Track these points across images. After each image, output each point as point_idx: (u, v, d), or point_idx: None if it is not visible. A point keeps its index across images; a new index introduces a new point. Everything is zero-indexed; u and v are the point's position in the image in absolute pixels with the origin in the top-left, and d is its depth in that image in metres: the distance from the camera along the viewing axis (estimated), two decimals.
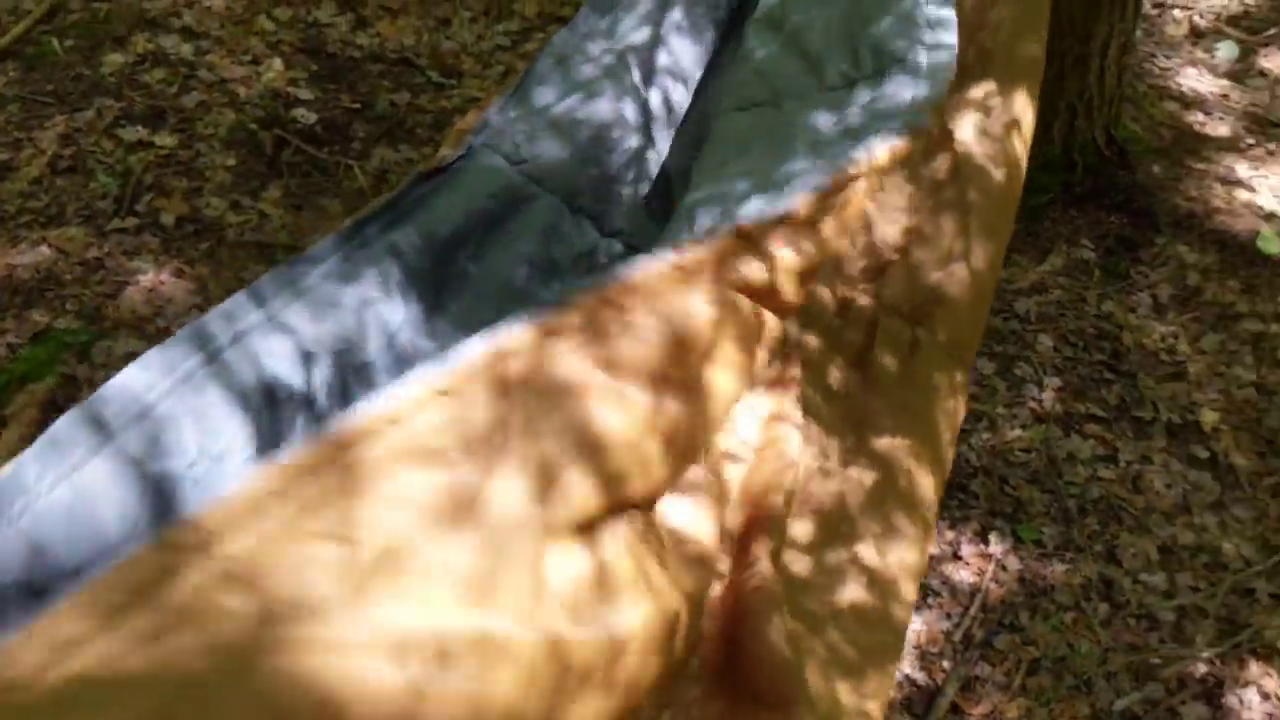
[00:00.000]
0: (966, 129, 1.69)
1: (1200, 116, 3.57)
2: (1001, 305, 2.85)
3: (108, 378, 2.42)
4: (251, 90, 3.12)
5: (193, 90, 3.08)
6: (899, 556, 1.48)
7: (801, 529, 1.38)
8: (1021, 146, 1.75)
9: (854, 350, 1.52)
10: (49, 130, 2.88)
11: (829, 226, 1.24)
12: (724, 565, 1.21)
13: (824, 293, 1.52)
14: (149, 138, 2.92)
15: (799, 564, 1.35)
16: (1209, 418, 2.66)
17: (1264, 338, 2.85)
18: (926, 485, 1.56)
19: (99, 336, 2.47)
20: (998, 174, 1.67)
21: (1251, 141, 3.47)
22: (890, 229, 1.55)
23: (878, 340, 1.55)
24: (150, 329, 2.50)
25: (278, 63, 3.23)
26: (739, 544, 1.23)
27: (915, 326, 1.59)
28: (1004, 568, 2.32)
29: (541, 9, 3.69)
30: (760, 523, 1.24)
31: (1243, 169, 3.36)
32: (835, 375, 1.50)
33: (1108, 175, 3.21)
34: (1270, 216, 3.19)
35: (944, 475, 1.61)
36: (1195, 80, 3.73)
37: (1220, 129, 3.52)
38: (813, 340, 1.48)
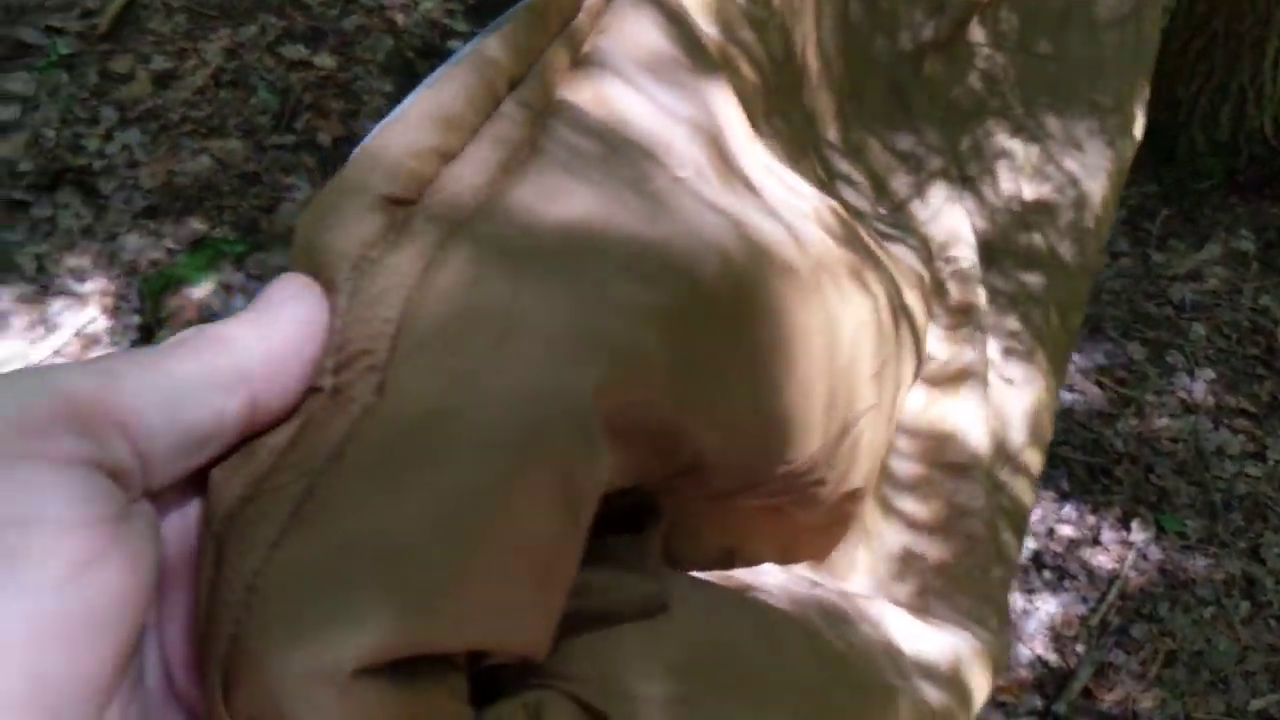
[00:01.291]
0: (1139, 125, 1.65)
1: None
2: (1156, 290, 2.77)
3: (260, 288, 2.48)
4: (409, 19, 3.14)
5: (352, 14, 3.11)
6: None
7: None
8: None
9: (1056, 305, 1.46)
10: (214, 43, 2.93)
11: None
12: None
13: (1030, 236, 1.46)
14: (309, 57, 2.95)
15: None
16: None
17: None
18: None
19: (254, 248, 2.52)
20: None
21: None
22: (1096, 187, 1.51)
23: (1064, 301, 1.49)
24: None
25: None
26: None
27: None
28: (1145, 557, 2.27)
29: None
30: None
31: None
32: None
33: (1274, 165, 3.10)
34: None
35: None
36: None
37: None
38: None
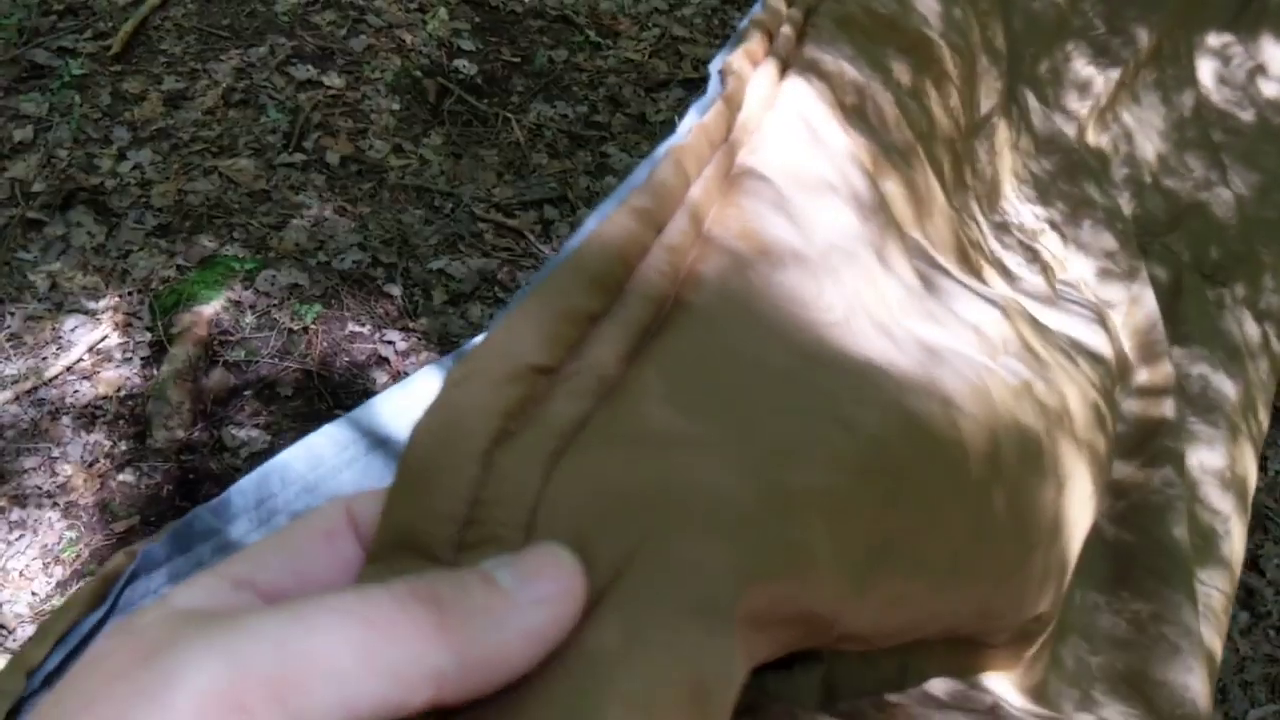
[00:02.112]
0: (1205, 73, 1.66)
1: None
2: None
3: (271, 305, 2.53)
4: (416, 38, 3.19)
5: (361, 34, 3.15)
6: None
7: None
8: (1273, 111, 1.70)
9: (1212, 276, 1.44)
10: (224, 63, 2.98)
11: None
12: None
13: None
14: (318, 77, 3.00)
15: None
16: None
17: None
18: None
19: (263, 265, 2.56)
20: (1245, 116, 1.64)
21: None
22: (1148, 146, 1.52)
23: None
24: (312, 262, 2.58)
25: (443, 12, 3.29)
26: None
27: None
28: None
29: None
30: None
31: None
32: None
33: None
34: None
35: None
36: None
37: None
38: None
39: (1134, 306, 1.20)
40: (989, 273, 0.92)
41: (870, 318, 0.53)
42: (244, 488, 0.66)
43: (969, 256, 0.86)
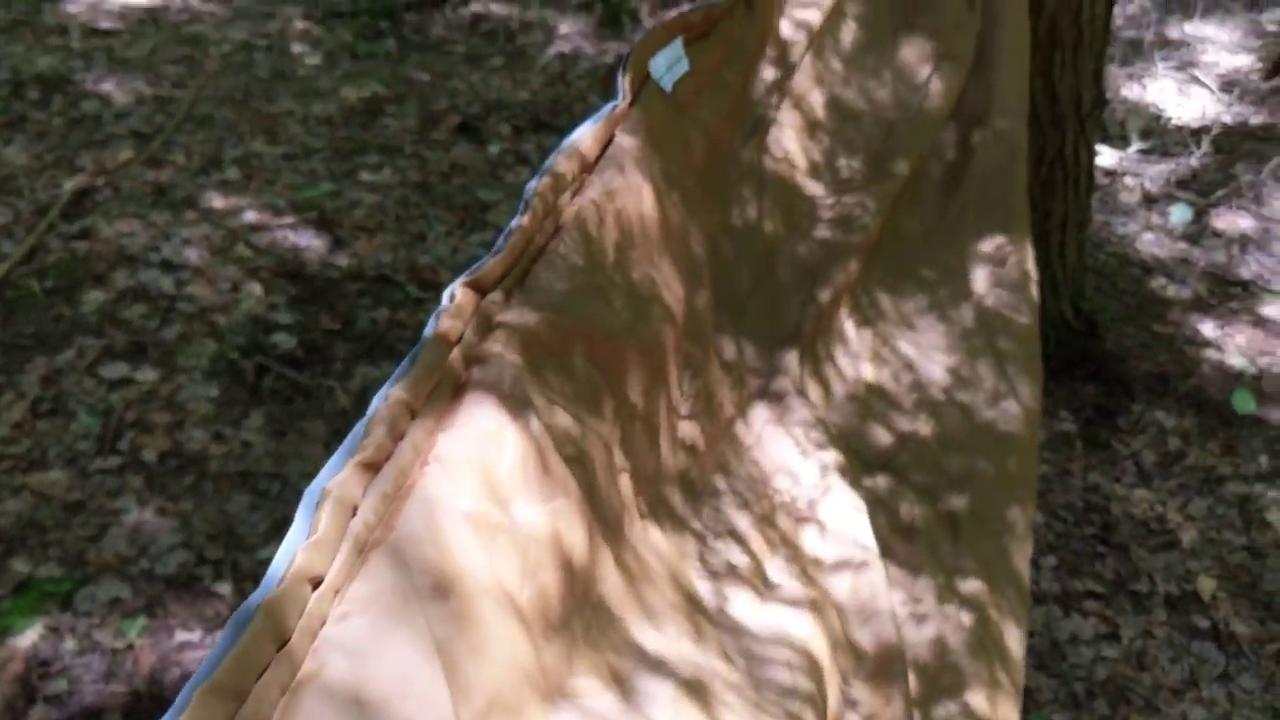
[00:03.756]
0: (982, 283, 1.72)
1: (1162, 280, 3.66)
2: None
3: (92, 626, 2.40)
4: (231, 319, 3.17)
5: (173, 323, 3.12)
6: (1005, 713, 1.36)
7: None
8: (1035, 295, 1.78)
9: (929, 492, 1.47)
10: (30, 374, 2.91)
11: None
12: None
13: (879, 430, 1.50)
14: (130, 374, 2.94)
15: None
16: (1206, 586, 2.64)
17: (1249, 499, 2.85)
18: (1015, 638, 1.46)
19: (82, 582, 2.44)
20: (1022, 320, 1.70)
21: (1214, 302, 3.55)
22: (934, 368, 1.56)
23: (947, 482, 1.50)
24: (133, 570, 2.47)
25: (257, 288, 3.29)
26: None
27: (980, 460, 1.54)
28: None
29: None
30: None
31: (1209, 329, 3.42)
32: (912, 512, 1.43)
33: (1079, 346, 3.27)
34: (1241, 375, 3.24)
35: (1025, 628, 1.51)
36: (1154, 245, 3.84)
37: (1183, 291, 3.60)
38: (883, 480, 1.42)
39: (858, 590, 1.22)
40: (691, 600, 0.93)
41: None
42: None
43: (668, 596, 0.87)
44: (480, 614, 0.66)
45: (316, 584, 0.59)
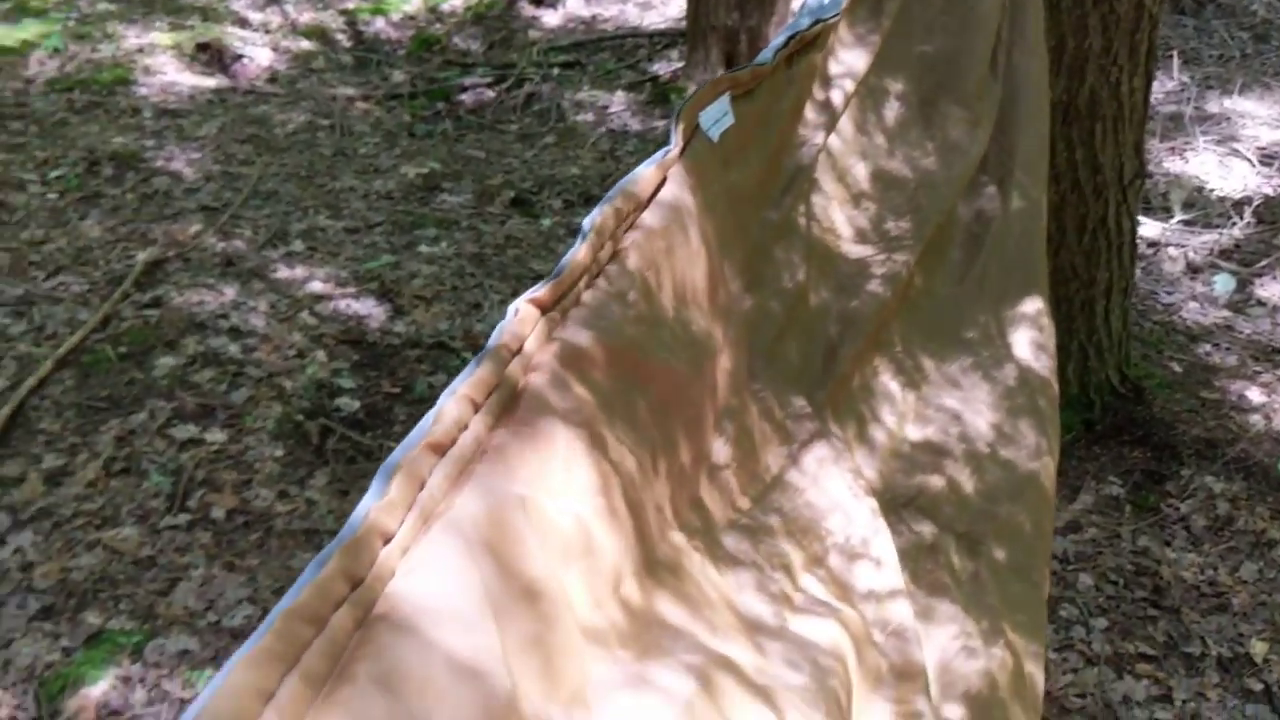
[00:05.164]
0: (1022, 344, 1.77)
1: (1207, 348, 3.69)
2: None
3: (161, 676, 2.47)
4: (297, 383, 3.28)
5: (241, 387, 3.24)
6: None
7: (952, 712, 1.31)
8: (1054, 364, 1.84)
9: (973, 541, 1.51)
10: (104, 434, 3.02)
11: None
12: None
13: (922, 481, 1.54)
14: (200, 435, 3.05)
15: None
16: (1259, 648, 2.64)
17: None
18: (1040, 686, 1.49)
19: (151, 635, 2.52)
20: (1055, 386, 1.76)
21: (1259, 369, 3.57)
22: (980, 422, 1.62)
23: (991, 532, 1.55)
24: (201, 623, 2.55)
25: (321, 355, 3.40)
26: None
27: (1021, 514, 1.58)
28: None
29: None
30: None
31: (1255, 395, 3.44)
32: (955, 559, 1.47)
33: (1126, 411, 3.30)
34: None
35: (1043, 680, 1.54)
36: (1198, 314, 3.87)
37: (1229, 359, 3.63)
38: (928, 528, 1.47)
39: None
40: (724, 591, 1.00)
41: None
42: None
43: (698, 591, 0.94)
44: (530, 583, 0.74)
45: (387, 540, 0.67)
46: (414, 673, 0.59)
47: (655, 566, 0.94)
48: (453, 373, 3.45)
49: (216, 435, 3.06)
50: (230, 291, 3.67)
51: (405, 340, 3.57)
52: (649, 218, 1.07)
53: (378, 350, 3.51)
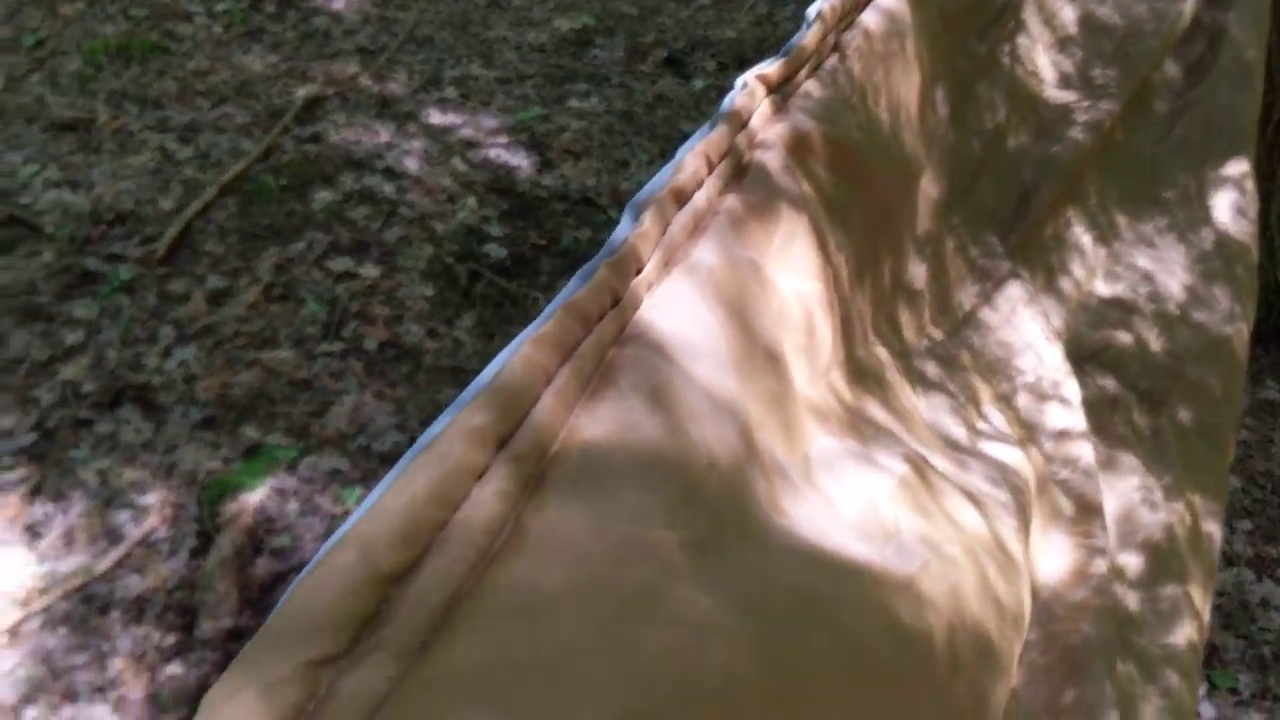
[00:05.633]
0: (1222, 208, 1.71)
1: None
2: None
3: (314, 491, 2.59)
4: (447, 226, 3.33)
5: (394, 226, 3.30)
6: (1206, 618, 1.38)
7: (1130, 559, 1.30)
8: (1255, 230, 1.76)
9: (1157, 400, 1.49)
10: (264, 260, 3.12)
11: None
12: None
13: (1110, 336, 1.52)
14: (354, 269, 3.13)
15: (1130, 598, 1.27)
16: None
17: None
18: (1216, 550, 1.46)
19: (305, 452, 2.63)
20: (1255, 253, 1.70)
21: None
22: (1173, 283, 1.58)
23: (1176, 391, 1.52)
24: (352, 446, 2.66)
25: (472, 201, 3.44)
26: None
27: (1210, 377, 1.55)
28: (1199, 715, 2.25)
29: None
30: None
31: None
32: (1138, 416, 1.46)
33: None
34: None
35: (1219, 547, 1.52)
36: None
37: None
38: (1110, 382, 1.45)
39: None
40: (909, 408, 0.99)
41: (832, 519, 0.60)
42: None
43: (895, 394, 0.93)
44: (767, 344, 0.75)
45: (639, 270, 0.68)
46: (681, 394, 0.60)
47: (861, 371, 0.94)
48: (599, 229, 3.47)
49: (370, 270, 3.14)
50: (385, 133, 3.72)
51: (553, 193, 3.59)
52: (869, 19, 1.05)
53: (526, 200, 3.54)
